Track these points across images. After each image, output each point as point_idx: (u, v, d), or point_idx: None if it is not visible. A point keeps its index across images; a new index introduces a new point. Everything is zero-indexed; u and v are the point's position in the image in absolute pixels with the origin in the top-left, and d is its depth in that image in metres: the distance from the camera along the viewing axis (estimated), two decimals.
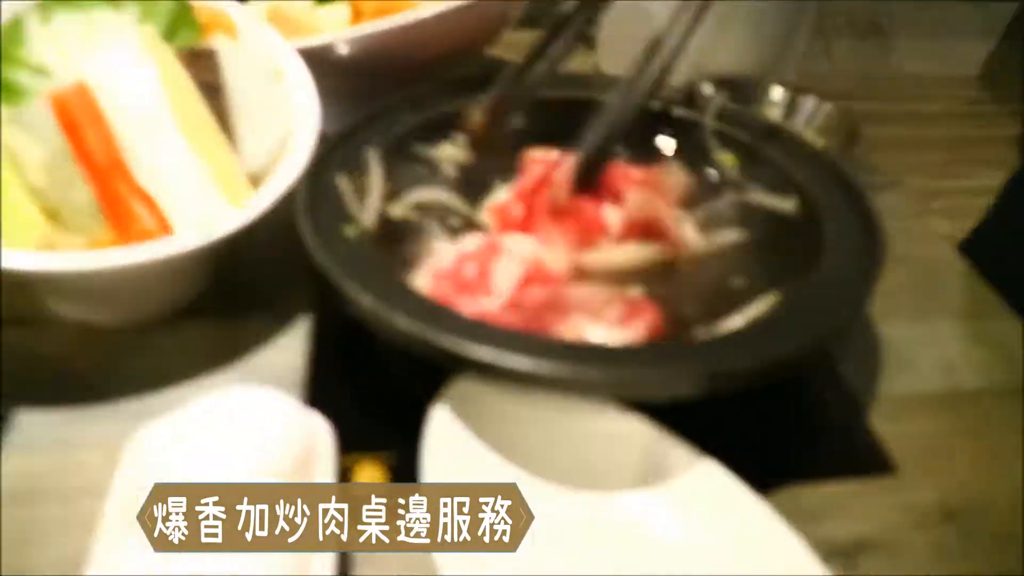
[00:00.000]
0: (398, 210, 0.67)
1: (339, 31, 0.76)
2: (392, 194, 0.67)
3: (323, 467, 0.49)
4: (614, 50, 1.07)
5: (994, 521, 0.55)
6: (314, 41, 0.74)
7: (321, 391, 0.60)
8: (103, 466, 0.50)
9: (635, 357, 0.51)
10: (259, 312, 0.67)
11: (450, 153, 0.73)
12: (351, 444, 0.55)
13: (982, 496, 0.57)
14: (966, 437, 0.61)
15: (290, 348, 0.64)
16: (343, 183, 0.63)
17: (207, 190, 0.60)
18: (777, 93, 0.91)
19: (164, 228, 0.59)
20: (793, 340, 0.51)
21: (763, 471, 0.56)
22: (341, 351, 0.64)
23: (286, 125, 0.66)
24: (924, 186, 0.95)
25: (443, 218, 0.67)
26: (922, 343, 0.69)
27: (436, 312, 0.52)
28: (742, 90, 0.89)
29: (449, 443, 0.50)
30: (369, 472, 0.54)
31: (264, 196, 0.61)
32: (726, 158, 0.72)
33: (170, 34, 0.67)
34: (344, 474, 0.53)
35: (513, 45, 1.05)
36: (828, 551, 0.49)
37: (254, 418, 0.48)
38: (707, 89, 0.88)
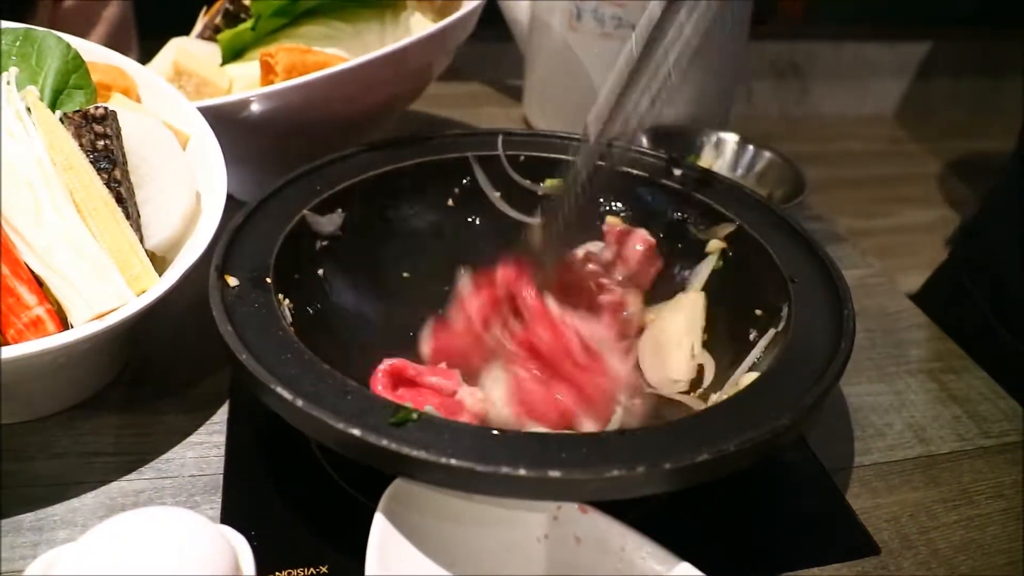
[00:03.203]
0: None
1: (249, 90, 0.70)
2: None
3: None
4: (542, 102, 1.03)
5: None
6: (222, 101, 0.68)
7: (239, 494, 0.53)
8: None
9: (594, 451, 0.45)
10: (171, 402, 0.60)
11: None
12: (278, 559, 0.49)
13: (974, 572, 0.52)
14: (947, 506, 0.57)
15: (205, 442, 0.57)
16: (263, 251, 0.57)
17: (103, 272, 0.53)
18: (714, 142, 0.87)
19: (54, 316, 0.52)
20: (750, 428, 0.46)
21: (736, 565, 0.51)
22: (262, 446, 0.57)
23: (192, 194, 0.60)
24: (852, 226, 0.93)
25: None
26: (889, 406, 0.65)
27: (373, 410, 0.45)
28: (679, 140, 0.86)
29: (394, 556, 0.44)
30: None
31: (168, 277, 0.54)
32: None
33: (60, 96, 0.61)
34: None
35: (437, 98, 1.01)
36: None
37: (167, 544, 0.40)
38: (643, 140, 0.84)
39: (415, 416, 0.44)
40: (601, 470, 0.42)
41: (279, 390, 0.45)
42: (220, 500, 0.53)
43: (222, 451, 0.56)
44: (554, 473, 0.42)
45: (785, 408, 0.47)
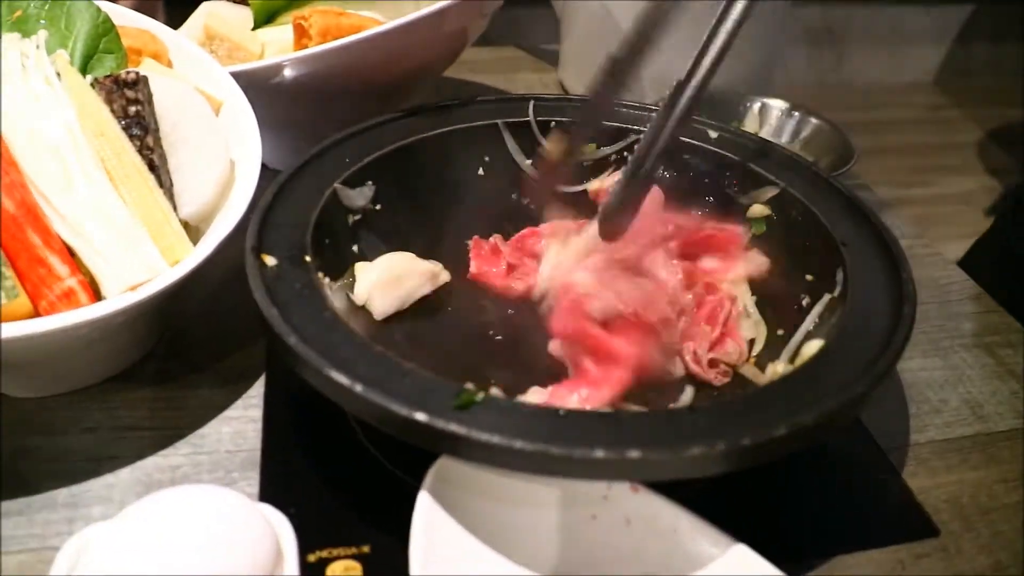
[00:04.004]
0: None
1: (282, 54, 0.68)
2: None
3: (287, 570, 0.41)
4: (578, 66, 1.01)
5: None
6: (255, 66, 0.66)
7: (278, 471, 0.52)
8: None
9: (648, 429, 0.43)
10: (206, 376, 0.59)
11: None
12: (319, 536, 0.47)
13: None
14: (1008, 486, 0.54)
15: (241, 417, 0.56)
16: (298, 228, 0.55)
17: (136, 242, 0.52)
18: (759, 108, 0.85)
19: (86, 288, 0.50)
20: (826, 399, 0.44)
21: (796, 547, 0.49)
22: (300, 421, 0.55)
23: (226, 162, 0.58)
24: (891, 195, 0.90)
25: None
26: (945, 381, 0.62)
27: (435, 392, 0.43)
28: (722, 107, 0.83)
29: (440, 535, 0.42)
30: (343, 570, 0.46)
31: (202, 248, 0.52)
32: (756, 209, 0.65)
33: (90, 61, 0.59)
34: (314, 572, 0.45)
35: (471, 64, 0.98)
36: None
37: (205, 522, 0.39)
38: (654, 96, 0.82)
39: (479, 398, 0.42)
40: (680, 449, 0.40)
41: (335, 375, 0.43)
42: (258, 476, 0.52)
43: (259, 426, 0.55)
44: (633, 453, 0.40)
45: (856, 377, 0.45)
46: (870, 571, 0.48)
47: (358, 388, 0.42)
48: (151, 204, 0.53)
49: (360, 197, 0.62)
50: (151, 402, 0.56)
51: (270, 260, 0.52)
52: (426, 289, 0.60)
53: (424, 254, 0.61)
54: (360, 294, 0.57)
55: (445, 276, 0.62)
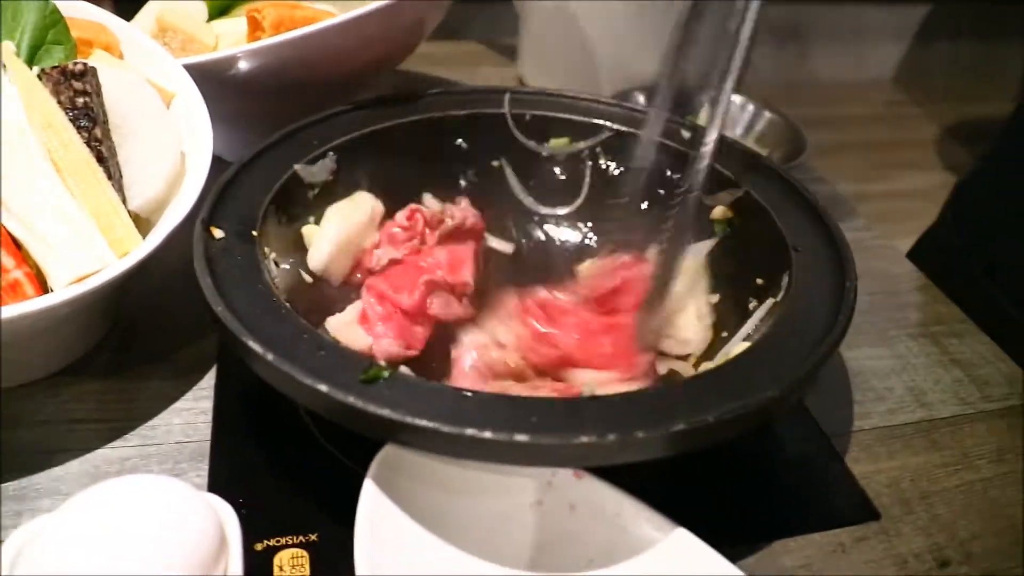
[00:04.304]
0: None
1: (236, 47, 0.68)
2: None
3: (232, 559, 0.41)
4: (537, 61, 1.01)
5: (991, 566, 0.50)
6: (208, 58, 0.66)
7: (228, 462, 0.52)
8: None
9: (567, 416, 0.43)
10: (157, 368, 0.59)
11: None
12: (267, 527, 0.47)
13: (975, 537, 0.51)
14: (948, 470, 0.56)
15: (192, 408, 0.56)
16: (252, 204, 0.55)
17: (84, 233, 0.51)
18: (711, 100, 0.85)
19: (33, 280, 0.50)
20: (761, 388, 0.45)
21: (738, 531, 0.50)
22: (250, 412, 0.56)
23: (176, 154, 0.58)
24: (850, 190, 0.92)
25: None
26: (890, 370, 0.64)
27: (346, 367, 0.44)
28: (678, 100, 0.84)
29: (385, 523, 0.43)
30: (290, 559, 0.46)
31: (152, 239, 0.52)
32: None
33: (38, 52, 0.59)
34: (261, 564, 0.46)
35: (431, 57, 0.99)
36: None
37: (147, 511, 0.39)
38: (640, 98, 0.83)
39: (386, 374, 0.43)
40: (570, 436, 0.41)
41: (250, 343, 0.43)
42: (207, 468, 0.52)
43: (209, 417, 0.55)
44: (521, 437, 0.40)
45: (773, 380, 0.45)
46: (811, 553, 0.49)
47: (270, 356, 0.43)
48: (99, 196, 0.53)
49: (321, 171, 0.62)
50: (101, 394, 0.56)
51: (218, 233, 0.52)
52: (374, 236, 0.62)
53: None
54: (317, 266, 0.58)
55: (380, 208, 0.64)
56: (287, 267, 0.57)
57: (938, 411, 0.61)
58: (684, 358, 0.59)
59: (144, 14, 0.77)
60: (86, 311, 0.55)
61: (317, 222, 0.62)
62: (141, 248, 0.52)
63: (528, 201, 0.70)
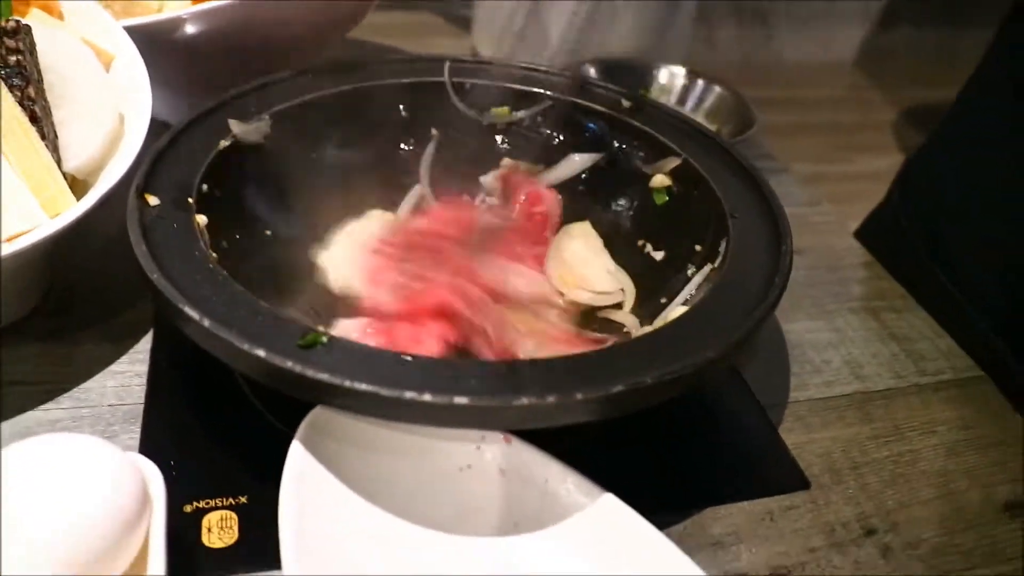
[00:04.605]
0: None
1: (177, 9, 0.67)
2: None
3: (156, 520, 0.41)
4: (491, 32, 1.01)
5: (915, 534, 0.51)
6: (149, 20, 0.65)
7: (160, 425, 0.52)
8: None
9: (507, 378, 0.44)
10: (93, 331, 0.58)
11: None
12: (197, 488, 0.48)
13: (900, 507, 0.52)
14: (879, 442, 0.57)
15: (127, 372, 0.56)
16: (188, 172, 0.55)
17: (15, 194, 0.51)
18: (665, 76, 0.86)
19: None
20: (699, 350, 0.45)
21: (666, 498, 0.51)
22: (185, 376, 0.55)
23: (114, 116, 0.57)
24: (808, 172, 0.93)
25: None
26: (828, 343, 0.64)
27: (283, 332, 0.44)
28: (629, 73, 0.84)
29: (312, 485, 0.43)
30: (219, 521, 0.46)
31: (86, 200, 0.52)
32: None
33: None
34: (190, 523, 0.46)
35: (382, 28, 0.98)
36: None
37: (67, 470, 0.39)
38: (592, 72, 0.83)
39: (324, 340, 0.43)
40: (511, 398, 0.41)
41: (187, 310, 0.43)
42: (139, 431, 0.52)
43: (144, 381, 0.55)
44: (461, 400, 0.40)
45: (710, 343, 0.46)
46: (739, 521, 0.50)
47: (206, 323, 0.43)
48: (31, 156, 0.52)
49: (256, 133, 0.61)
50: (36, 357, 0.56)
51: (153, 200, 0.51)
52: None
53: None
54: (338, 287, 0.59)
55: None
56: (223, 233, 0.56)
57: (873, 384, 0.62)
58: (618, 307, 0.61)
59: None
60: (19, 273, 0.54)
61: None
62: (74, 209, 0.51)
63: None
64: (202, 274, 0.47)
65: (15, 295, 0.57)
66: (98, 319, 0.59)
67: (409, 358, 0.43)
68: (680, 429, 0.55)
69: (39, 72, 0.55)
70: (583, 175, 0.67)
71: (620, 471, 0.45)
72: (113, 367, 0.56)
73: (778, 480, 0.53)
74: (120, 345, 0.57)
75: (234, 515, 0.46)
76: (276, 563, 0.38)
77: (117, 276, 0.61)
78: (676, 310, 0.55)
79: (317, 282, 0.59)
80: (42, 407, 0.52)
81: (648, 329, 0.54)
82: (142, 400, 0.53)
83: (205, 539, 0.46)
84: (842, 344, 0.65)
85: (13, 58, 0.53)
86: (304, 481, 0.42)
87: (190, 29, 0.66)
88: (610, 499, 0.44)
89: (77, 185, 0.56)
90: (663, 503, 0.50)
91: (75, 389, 0.54)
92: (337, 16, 0.77)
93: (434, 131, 0.68)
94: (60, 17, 0.64)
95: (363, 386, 0.40)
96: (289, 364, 0.41)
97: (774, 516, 0.51)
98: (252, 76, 0.64)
